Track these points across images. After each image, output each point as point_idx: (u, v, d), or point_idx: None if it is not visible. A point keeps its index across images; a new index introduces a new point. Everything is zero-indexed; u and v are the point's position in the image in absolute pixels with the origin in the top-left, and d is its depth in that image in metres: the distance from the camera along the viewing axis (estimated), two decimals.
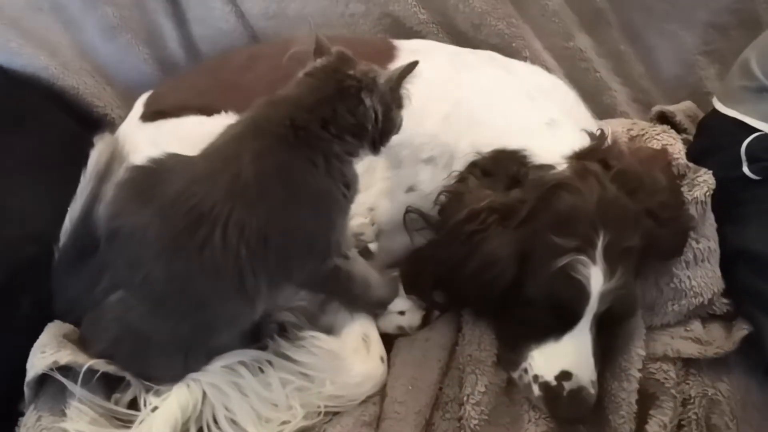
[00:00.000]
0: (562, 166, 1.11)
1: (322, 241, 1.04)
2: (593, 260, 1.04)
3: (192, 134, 1.23)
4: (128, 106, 1.44)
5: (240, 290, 0.99)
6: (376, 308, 1.20)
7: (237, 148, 1.00)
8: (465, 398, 1.08)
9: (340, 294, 1.16)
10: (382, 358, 1.15)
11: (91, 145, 1.20)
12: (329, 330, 1.16)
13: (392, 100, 1.04)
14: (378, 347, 1.16)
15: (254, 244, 0.97)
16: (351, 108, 1.01)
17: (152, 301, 1.00)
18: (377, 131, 1.04)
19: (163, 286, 0.98)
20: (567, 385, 1.06)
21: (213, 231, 0.95)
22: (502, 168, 1.13)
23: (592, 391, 1.07)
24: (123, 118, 1.43)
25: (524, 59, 1.55)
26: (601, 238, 1.04)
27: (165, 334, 1.03)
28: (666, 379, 1.11)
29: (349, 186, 1.05)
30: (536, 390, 1.09)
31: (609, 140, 1.18)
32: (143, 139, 1.27)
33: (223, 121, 1.23)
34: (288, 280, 1.06)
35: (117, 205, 1.03)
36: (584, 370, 1.07)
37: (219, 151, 1.03)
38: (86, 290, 1.08)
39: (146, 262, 0.98)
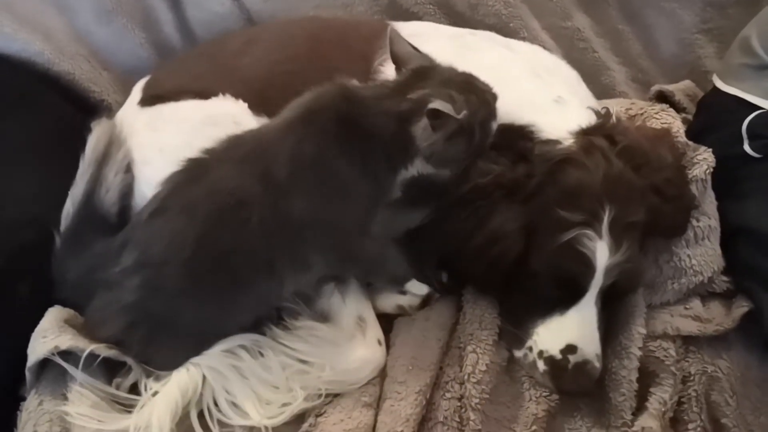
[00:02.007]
0: (568, 141, 1.12)
1: (349, 230, 1.07)
2: (599, 234, 1.04)
3: (190, 118, 1.24)
4: (125, 91, 1.43)
5: (272, 271, 1.04)
6: (393, 285, 1.20)
7: (286, 131, 1.05)
8: (466, 377, 1.08)
9: (361, 274, 1.18)
10: (379, 341, 1.15)
11: (88, 130, 1.20)
12: (325, 314, 1.16)
13: (436, 130, 1.04)
14: (374, 330, 1.16)
15: (287, 228, 1.02)
16: (398, 132, 1.04)
17: (189, 279, 1.02)
18: (429, 156, 1.05)
19: (206, 264, 1.01)
20: (572, 359, 1.07)
21: (251, 214, 1.00)
22: (509, 143, 1.12)
23: (597, 364, 1.08)
24: (120, 104, 1.42)
25: (522, 39, 1.54)
26: (607, 213, 1.04)
27: (188, 317, 1.05)
28: (666, 356, 1.12)
29: (381, 190, 1.07)
30: (541, 366, 1.09)
31: (614, 118, 1.18)
32: (141, 124, 1.26)
33: (220, 105, 1.25)
34: (316, 263, 1.08)
35: (165, 188, 1.06)
36: (589, 344, 1.08)
37: (270, 131, 1.07)
38: (92, 273, 1.08)
39: (193, 240, 1.00)
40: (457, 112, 1.00)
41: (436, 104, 1.00)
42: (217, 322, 1.07)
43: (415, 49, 1.13)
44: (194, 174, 1.05)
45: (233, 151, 1.05)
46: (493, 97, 1.08)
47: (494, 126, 1.09)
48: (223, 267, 1.02)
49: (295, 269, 1.06)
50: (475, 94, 1.06)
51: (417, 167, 1.07)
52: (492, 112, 1.08)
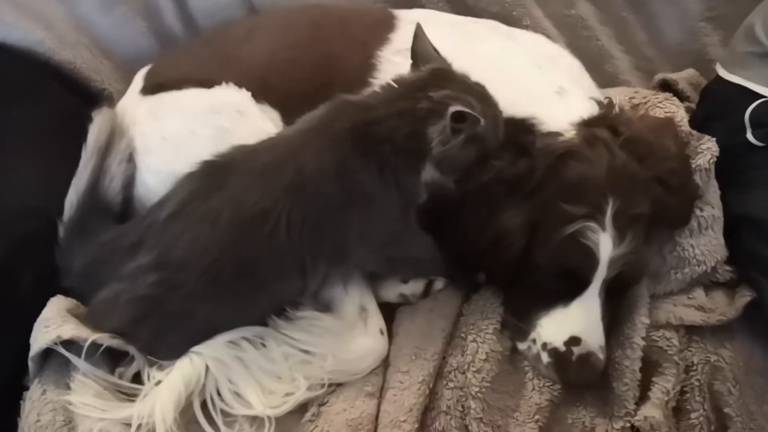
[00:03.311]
0: (570, 133, 1.11)
1: (374, 236, 1.08)
2: (602, 227, 1.04)
3: (192, 106, 1.24)
4: (126, 81, 1.42)
5: (300, 275, 1.06)
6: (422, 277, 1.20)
7: (302, 143, 1.05)
8: (467, 366, 1.08)
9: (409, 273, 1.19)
10: (381, 331, 1.15)
11: (90, 119, 1.20)
12: (327, 304, 1.16)
13: (455, 134, 1.02)
14: (376, 319, 1.16)
15: (313, 236, 1.03)
16: (413, 132, 1.03)
17: (209, 284, 1.03)
18: (439, 160, 1.04)
19: (228, 270, 1.03)
20: (576, 351, 1.07)
21: (278, 224, 1.01)
22: (511, 136, 1.12)
23: (601, 356, 1.08)
24: (121, 93, 1.42)
25: (525, 28, 1.53)
26: (611, 205, 1.04)
27: (202, 315, 1.06)
28: (669, 346, 1.12)
29: (406, 194, 1.06)
30: (545, 358, 1.09)
31: (617, 108, 1.18)
32: (143, 112, 1.26)
33: (223, 93, 1.24)
34: (344, 264, 1.11)
35: (183, 190, 1.06)
36: (593, 336, 1.08)
37: (286, 144, 1.07)
38: (99, 262, 1.09)
39: (216, 247, 1.02)
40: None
41: (461, 107, 0.99)
42: (231, 321, 1.08)
43: (437, 51, 1.12)
44: (213, 182, 1.05)
45: (251, 163, 1.05)
46: (501, 115, 1.08)
47: (495, 144, 1.08)
48: (245, 274, 1.04)
49: (325, 271, 1.08)
50: (489, 106, 1.06)
51: (429, 172, 1.06)
52: (500, 130, 1.07)
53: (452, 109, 0.99)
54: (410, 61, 1.12)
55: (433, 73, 1.07)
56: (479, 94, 1.07)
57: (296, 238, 1.02)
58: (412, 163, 1.05)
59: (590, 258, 1.05)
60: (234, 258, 1.03)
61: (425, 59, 1.10)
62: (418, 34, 1.12)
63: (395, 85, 1.08)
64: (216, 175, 1.06)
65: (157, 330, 1.06)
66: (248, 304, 1.08)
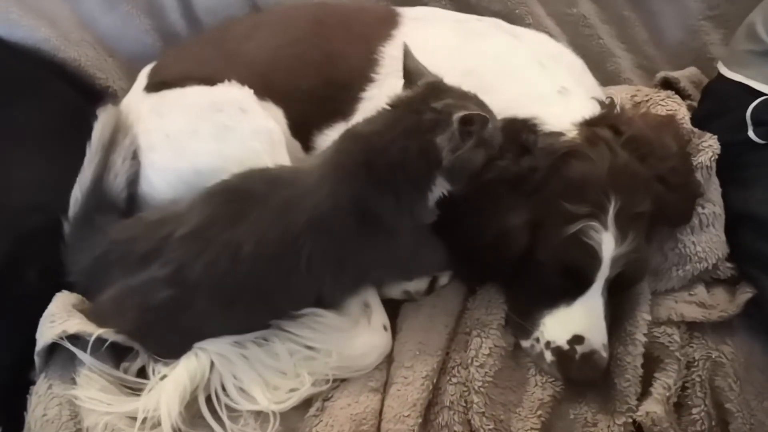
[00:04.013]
0: (572, 133, 1.12)
1: (392, 259, 1.12)
2: (605, 226, 1.05)
3: (195, 104, 1.24)
4: (130, 78, 1.43)
5: (315, 301, 1.10)
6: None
7: (320, 179, 1.07)
8: (469, 361, 1.09)
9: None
10: (385, 327, 1.15)
11: (94, 116, 1.20)
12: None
13: (465, 139, 1.03)
14: (380, 316, 1.17)
15: (332, 270, 1.07)
16: (422, 147, 1.03)
17: (224, 307, 1.06)
18: (451, 168, 1.05)
19: (245, 297, 1.06)
20: (579, 349, 1.08)
21: (298, 261, 1.04)
22: (513, 136, 1.12)
23: (604, 354, 1.08)
24: (125, 90, 1.43)
25: (527, 26, 1.54)
26: (613, 204, 1.05)
27: (213, 328, 1.08)
28: (670, 342, 1.12)
29: (419, 219, 1.08)
30: (548, 356, 1.10)
31: (618, 108, 1.18)
32: (147, 110, 1.26)
33: (226, 91, 1.25)
34: (361, 286, 1.15)
35: (203, 211, 1.07)
36: (596, 334, 1.09)
37: (305, 178, 1.08)
38: (105, 259, 1.09)
39: (233, 277, 1.04)
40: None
41: (466, 111, 1.00)
42: (237, 331, 1.10)
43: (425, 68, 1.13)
44: (236, 210, 1.06)
45: (272, 197, 1.06)
46: (497, 121, 1.09)
47: (497, 146, 1.09)
48: (260, 302, 1.07)
49: (347, 292, 1.12)
50: (487, 111, 1.07)
51: (440, 187, 1.07)
52: (499, 134, 1.08)
53: (458, 114, 1.00)
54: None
55: (428, 87, 1.08)
56: (476, 100, 1.08)
57: (315, 272, 1.06)
58: (424, 183, 1.06)
59: (593, 257, 1.05)
60: (250, 288, 1.05)
61: (417, 75, 1.11)
62: (406, 53, 1.12)
63: (394, 106, 1.09)
64: (238, 202, 1.06)
65: (164, 337, 1.08)
66: (257, 322, 1.10)
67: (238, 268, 1.03)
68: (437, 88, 1.08)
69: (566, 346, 1.08)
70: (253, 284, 1.05)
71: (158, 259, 1.05)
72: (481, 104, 1.08)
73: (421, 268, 1.17)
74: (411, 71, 1.12)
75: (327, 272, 1.07)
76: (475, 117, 1.00)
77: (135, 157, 1.22)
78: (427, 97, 1.06)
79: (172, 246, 1.05)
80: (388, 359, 1.13)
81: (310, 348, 1.10)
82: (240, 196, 1.07)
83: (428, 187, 1.07)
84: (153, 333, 1.07)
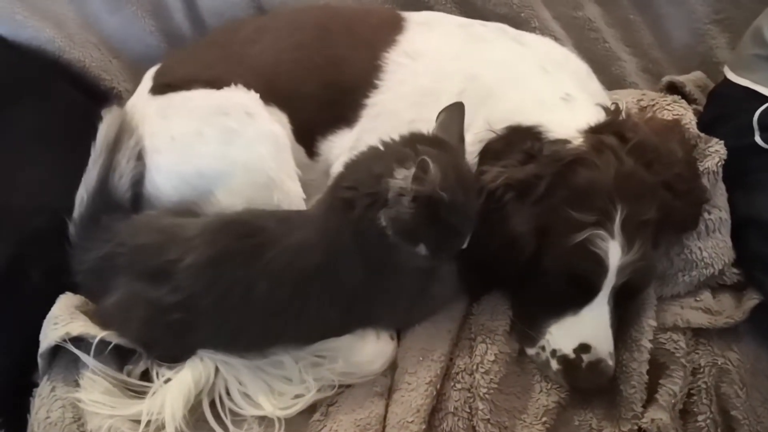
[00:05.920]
0: (577, 140, 1.11)
1: (402, 300, 1.12)
2: (611, 234, 1.04)
3: (200, 107, 1.24)
4: (135, 79, 1.43)
5: (322, 338, 1.11)
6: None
7: (325, 222, 1.07)
8: (475, 367, 1.09)
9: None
10: (390, 335, 1.15)
11: (99, 118, 1.20)
12: None
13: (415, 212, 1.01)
14: None
15: (340, 313, 1.08)
16: (369, 229, 1.03)
17: (232, 336, 1.07)
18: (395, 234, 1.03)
19: (253, 330, 1.07)
20: (586, 358, 1.07)
21: (308, 305, 1.05)
22: (517, 144, 1.12)
23: (611, 362, 1.08)
24: (130, 91, 1.43)
25: (533, 29, 1.54)
26: (619, 212, 1.04)
27: (220, 344, 1.09)
28: (676, 348, 1.12)
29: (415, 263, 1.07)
30: (554, 365, 1.09)
31: (624, 114, 1.18)
32: (152, 112, 1.26)
33: (231, 95, 1.25)
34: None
35: (214, 242, 1.06)
36: (603, 343, 1.08)
37: (313, 222, 1.09)
38: (111, 261, 1.09)
39: (243, 313, 1.05)
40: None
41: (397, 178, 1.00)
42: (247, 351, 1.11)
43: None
44: (249, 249, 1.05)
45: (285, 239, 1.06)
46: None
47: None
48: (267, 337, 1.08)
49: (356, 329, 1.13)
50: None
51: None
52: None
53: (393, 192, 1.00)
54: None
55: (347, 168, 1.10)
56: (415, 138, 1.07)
57: (325, 314, 1.07)
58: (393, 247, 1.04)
59: (599, 266, 1.05)
60: (259, 325, 1.06)
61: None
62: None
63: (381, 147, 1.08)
64: (251, 239, 1.06)
65: (170, 346, 1.08)
66: (265, 347, 1.11)
67: (250, 305, 1.04)
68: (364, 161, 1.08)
69: (572, 355, 1.08)
70: (262, 320, 1.06)
71: (168, 283, 1.04)
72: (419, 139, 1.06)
73: (434, 304, 1.16)
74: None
75: (334, 316, 1.08)
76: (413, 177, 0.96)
77: (140, 157, 1.22)
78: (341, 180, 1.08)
79: (183, 274, 1.04)
80: (393, 365, 1.13)
81: (316, 355, 1.10)
82: (252, 233, 1.07)
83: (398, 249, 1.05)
84: (156, 346, 1.08)
